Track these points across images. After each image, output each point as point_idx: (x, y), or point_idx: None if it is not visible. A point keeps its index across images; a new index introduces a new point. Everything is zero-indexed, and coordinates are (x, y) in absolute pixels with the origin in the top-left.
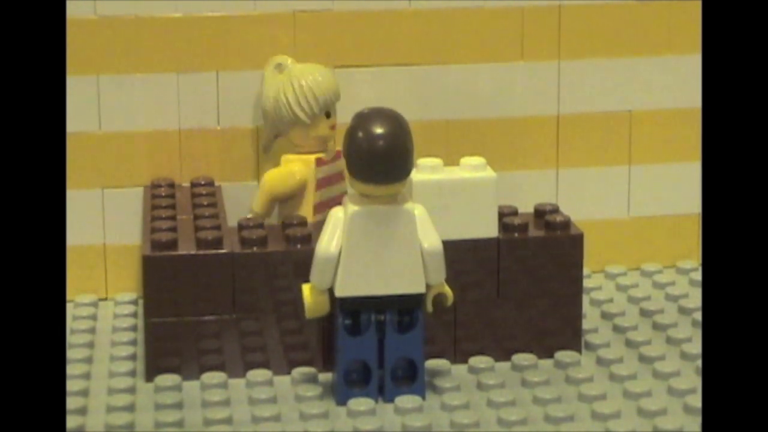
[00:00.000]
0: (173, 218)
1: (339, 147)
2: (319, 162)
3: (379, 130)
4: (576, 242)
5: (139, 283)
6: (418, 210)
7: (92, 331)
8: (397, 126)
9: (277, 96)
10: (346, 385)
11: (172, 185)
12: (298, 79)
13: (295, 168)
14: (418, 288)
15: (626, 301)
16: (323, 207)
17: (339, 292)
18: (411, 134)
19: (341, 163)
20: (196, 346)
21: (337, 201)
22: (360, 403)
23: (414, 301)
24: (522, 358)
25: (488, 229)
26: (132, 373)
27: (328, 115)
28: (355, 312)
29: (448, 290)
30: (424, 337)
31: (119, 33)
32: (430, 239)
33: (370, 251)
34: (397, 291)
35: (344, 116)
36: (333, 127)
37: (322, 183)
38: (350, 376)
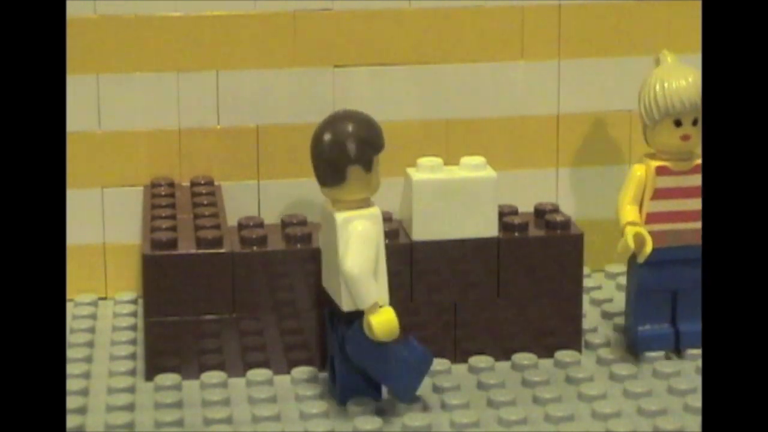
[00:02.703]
0: (173, 217)
1: (698, 160)
2: (660, 170)
3: (318, 131)
4: (576, 242)
5: (139, 283)
6: (353, 224)
7: (92, 330)
8: (330, 130)
9: (641, 90)
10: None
11: (172, 185)
12: (655, 79)
13: (636, 172)
14: (345, 305)
15: None
16: (655, 219)
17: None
18: (354, 141)
19: (695, 179)
20: (196, 345)
21: (674, 217)
22: (360, 403)
23: (345, 319)
24: (522, 358)
25: (488, 228)
26: (132, 373)
27: (678, 123)
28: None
29: (375, 320)
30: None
31: (119, 33)
32: (345, 259)
33: (326, 259)
34: (338, 303)
35: None
36: (685, 138)
37: (660, 194)
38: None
